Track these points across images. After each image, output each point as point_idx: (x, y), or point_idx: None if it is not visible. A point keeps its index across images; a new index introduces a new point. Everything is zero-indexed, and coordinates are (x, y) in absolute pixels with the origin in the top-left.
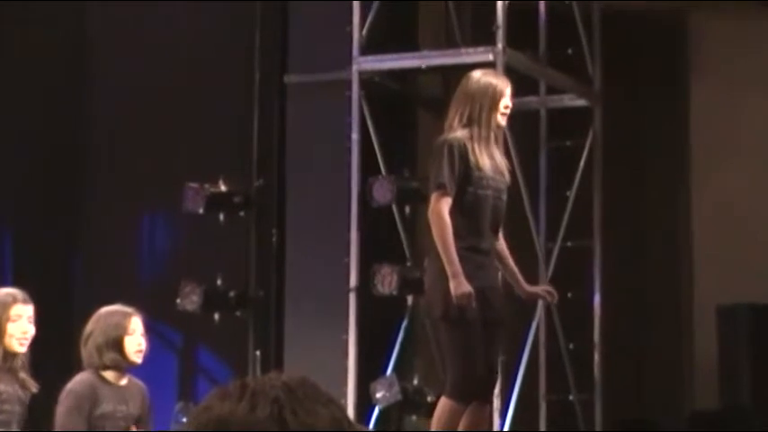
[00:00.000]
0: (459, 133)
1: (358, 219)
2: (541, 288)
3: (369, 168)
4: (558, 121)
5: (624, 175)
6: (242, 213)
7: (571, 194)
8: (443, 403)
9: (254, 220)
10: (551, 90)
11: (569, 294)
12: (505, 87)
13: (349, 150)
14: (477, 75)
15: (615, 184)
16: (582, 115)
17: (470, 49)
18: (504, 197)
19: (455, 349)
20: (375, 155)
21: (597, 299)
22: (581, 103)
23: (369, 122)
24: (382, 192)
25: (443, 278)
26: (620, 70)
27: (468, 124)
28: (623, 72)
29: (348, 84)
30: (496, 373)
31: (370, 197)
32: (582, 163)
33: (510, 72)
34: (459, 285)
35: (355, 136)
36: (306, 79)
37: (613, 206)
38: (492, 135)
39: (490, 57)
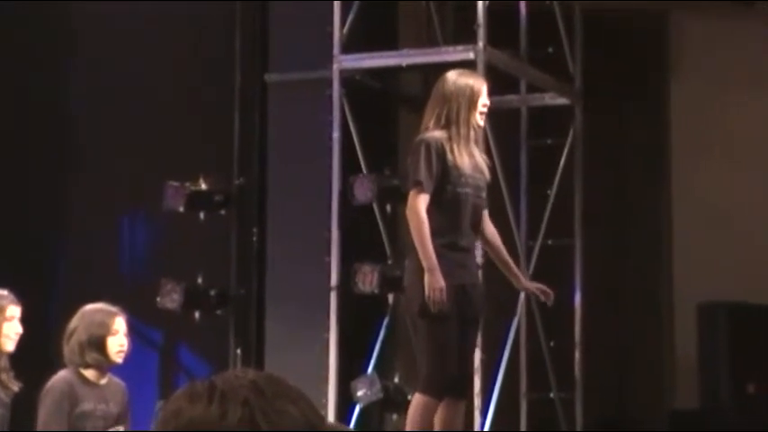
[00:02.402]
0: (437, 133)
1: (339, 217)
2: (537, 286)
3: (350, 167)
4: (539, 120)
5: (605, 174)
6: (223, 212)
7: (552, 193)
8: (417, 399)
9: (234, 218)
10: (532, 88)
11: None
12: (482, 86)
13: (330, 149)
14: (453, 75)
15: (596, 182)
16: (563, 114)
17: (451, 48)
18: (484, 195)
19: (430, 345)
20: (356, 153)
21: (578, 297)
22: (562, 101)
23: (350, 121)
24: (363, 190)
25: (421, 275)
26: (600, 69)
27: (447, 125)
28: (604, 71)
29: (329, 82)
30: (471, 369)
31: (350, 196)
32: (562, 161)
33: (491, 70)
34: (434, 280)
35: (336, 134)
36: (286, 78)
37: (594, 204)
38: (471, 134)
39: (471, 55)
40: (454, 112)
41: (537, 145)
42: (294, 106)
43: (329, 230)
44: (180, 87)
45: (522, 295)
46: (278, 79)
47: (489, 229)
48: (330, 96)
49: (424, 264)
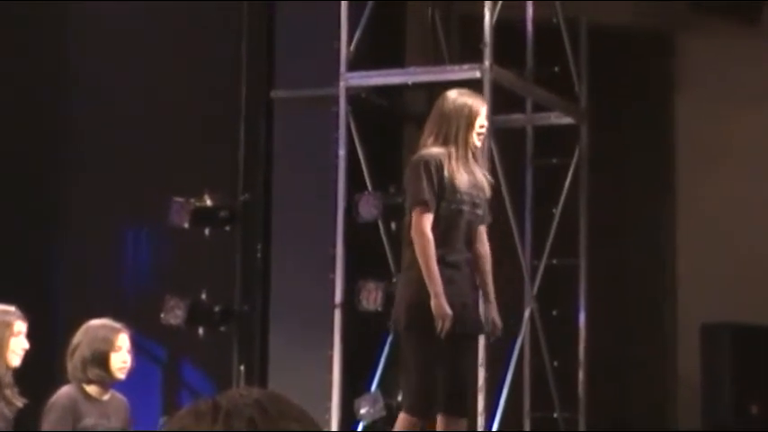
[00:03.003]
0: (435, 150)
1: (343, 235)
2: (491, 317)
3: (355, 184)
4: (545, 139)
5: (610, 193)
6: (227, 228)
7: (557, 212)
8: (400, 418)
9: (239, 234)
10: (538, 108)
11: (554, 312)
12: (481, 107)
13: (335, 166)
14: (452, 95)
15: (601, 201)
16: (568, 133)
17: (457, 67)
18: (481, 212)
19: (414, 362)
20: (361, 171)
21: (582, 317)
22: (567, 120)
23: (355, 138)
24: (368, 208)
25: (411, 289)
26: (606, 88)
27: (445, 143)
28: (609, 90)
29: (335, 99)
30: (470, 387)
31: (355, 213)
32: (568, 181)
33: (497, 89)
34: (440, 306)
35: (342, 152)
36: (293, 95)
37: (599, 224)
38: (469, 154)
39: (477, 74)
40: (453, 131)
41: (542, 164)
42: (300, 123)
43: (333, 247)
44: (186, 103)
45: (527, 314)
46: (284, 96)
47: (482, 248)
48: (336, 113)
49: (431, 288)
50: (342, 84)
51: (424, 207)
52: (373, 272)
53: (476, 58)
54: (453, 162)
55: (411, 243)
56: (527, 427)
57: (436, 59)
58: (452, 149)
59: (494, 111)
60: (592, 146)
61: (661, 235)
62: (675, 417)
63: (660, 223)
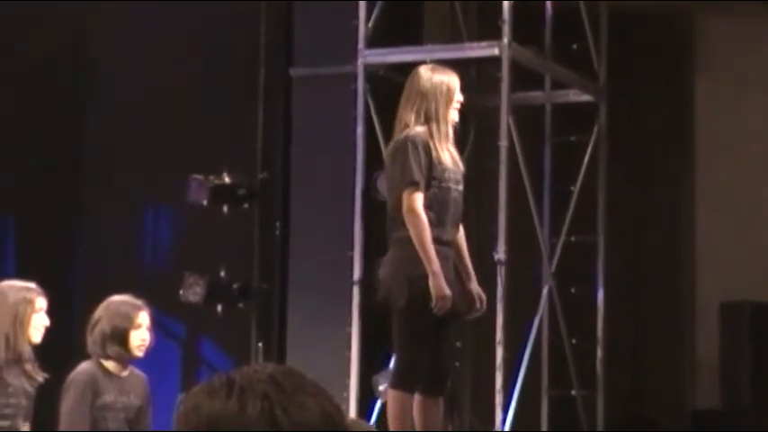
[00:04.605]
0: (420, 129)
1: (362, 213)
2: (477, 291)
3: (373, 162)
4: (563, 117)
5: (628, 171)
6: (246, 206)
7: (575, 190)
8: (390, 395)
9: (257, 212)
10: (556, 85)
11: (573, 290)
12: (456, 83)
13: (354, 144)
14: (426, 72)
15: (619, 179)
16: (587, 111)
17: (475, 44)
18: (461, 188)
19: (406, 338)
20: (379, 149)
21: (600, 294)
22: (586, 98)
23: (373, 116)
24: (384, 184)
25: (406, 267)
26: (625, 66)
27: (426, 121)
28: (628, 68)
29: (353, 77)
30: (449, 366)
31: (374, 191)
32: (586, 158)
33: (515, 67)
34: (440, 287)
35: (360, 129)
36: (311, 72)
37: (617, 202)
38: (450, 130)
39: (495, 51)
40: (433, 108)
41: (561, 142)
42: (318, 101)
43: (352, 225)
44: (205, 82)
45: (545, 292)
46: (303, 74)
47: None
48: (354, 91)
49: (428, 267)
50: (360, 61)
51: (416, 187)
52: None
53: (494, 35)
54: (437, 141)
55: (401, 222)
56: (545, 405)
57: (454, 37)
58: (434, 127)
59: (513, 88)
60: (610, 124)
61: (679, 213)
62: (694, 395)
63: (679, 201)
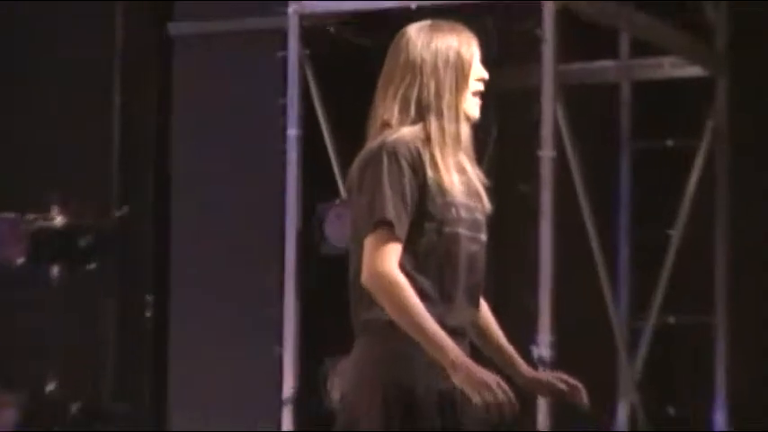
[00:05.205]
0: (407, 132)
1: (297, 277)
2: (548, 374)
3: (316, 187)
4: (652, 104)
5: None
6: (92, 266)
7: (675, 234)
8: None
9: (113, 277)
10: (640, 49)
11: (671, 409)
12: (473, 47)
13: (282, 153)
14: (421, 33)
15: (752, 213)
16: (693, 93)
17: None
18: (484, 237)
19: None
20: (327, 161)
21: (721, 418)
22: (693, 71)
23: (317, 104)
24: (339, 227)
25: (383, 370)
26: (753, 19)
27: (420, 117)
28: (757, 21)
29: (279, 36)
30: None
31: (318, 237)
32: (694, 177)
33: (567, 17)
34: (472, 375)
35: (293, 131)
36: (203, 29)
37: (748, 254)
38: (461, 131)
39: None
40: (431, 94)
41: (648, 148)
42: (218, 78)
43: (280, 306)
44: (17, 55)
45: (621, 412)
46: (188, 32)
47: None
48: (283, 60)
49: (437, 354)
50: (292, 9)
51: (387, 231)
52: (348, 343)
53: None
54: (439, 151)
55: (371, 294)
56: None
57: None
58: (434, 127)
59: (565, 56)
60: (735, 115)
61: None
62: None
63: None
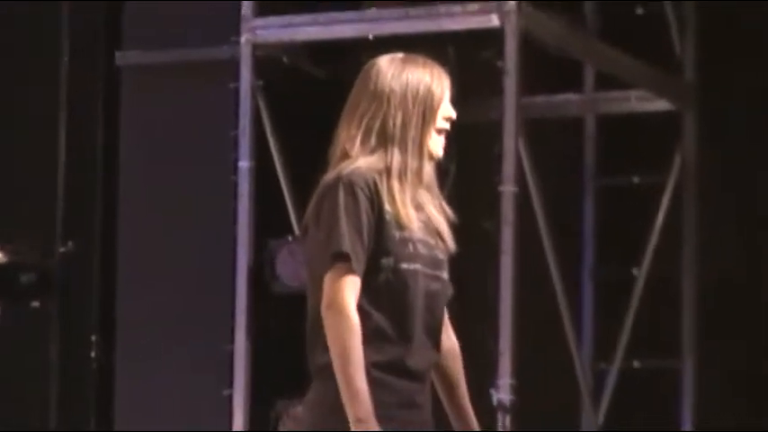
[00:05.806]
0: (363, 164)
1: (248, 318)
2: None
3: (269, 221)
4: (618, 138)
5: (736, 238)
6: (35, 303)
7: (640, 273)
8: None
9: (56, 316)
10: (605, 82)
11: None
12: (444, 83)
13: (233, 186)
14: (393, 64)
15: (720, 253)
16: (660, 127)
17: (457, 6)
18: (446, 275)
19: None
20: (280, 196)
21: None
22: (660, 105)
23: (269, 136)
24: (293, 265)
25: (338, 413)
26: (722, 58)
27: (380, 147)
28: (728, 61)
29: (231, 66)
30: None
31: (270, 275)
32: (661, 214)
33: (529, 48)
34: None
35: (244, 163)
36: (152, 59)
37: (719, 294)
38: (423, 167)
39: (495, 20)
40: (396, 126)
41: (613, 184)
42: (168, 108)
43: (231, 346)
44: None
45: None
46: (138, 61)
47: (449, 340)
48: (235, 91)
49: (350, 408)
50: (245, 38)
51: (344, 266)
52: (302, 385)
53: None
54: (395, 184)
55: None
56: None
57: None
58: (396, 161)
59: (529, 89)
60: (703, 149)
61: None
62: None
63: None
